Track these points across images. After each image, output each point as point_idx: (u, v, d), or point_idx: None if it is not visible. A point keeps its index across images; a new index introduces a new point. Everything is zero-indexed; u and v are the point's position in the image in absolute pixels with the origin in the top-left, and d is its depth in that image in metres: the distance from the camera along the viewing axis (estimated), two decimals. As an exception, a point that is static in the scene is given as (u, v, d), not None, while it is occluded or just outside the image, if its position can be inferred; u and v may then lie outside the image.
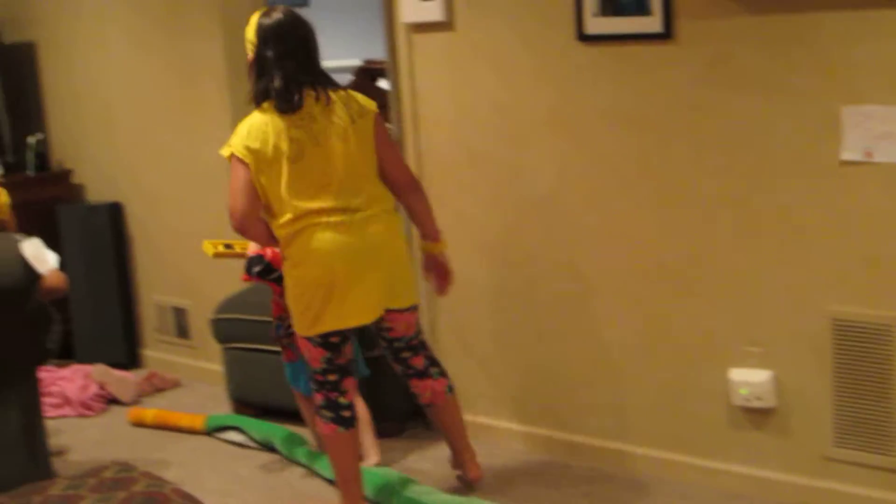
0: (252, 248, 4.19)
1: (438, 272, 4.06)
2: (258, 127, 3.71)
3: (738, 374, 3.99)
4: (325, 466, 4.36)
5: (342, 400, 3.88)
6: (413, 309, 3.99)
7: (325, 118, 3.73)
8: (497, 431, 4.63)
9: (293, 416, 4.69)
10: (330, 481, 4.30)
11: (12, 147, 5.98)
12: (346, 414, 3.89)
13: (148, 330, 5.96)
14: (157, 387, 5.60)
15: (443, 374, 4.12)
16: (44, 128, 6.14)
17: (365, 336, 4.27)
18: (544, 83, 4.22)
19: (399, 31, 4.55)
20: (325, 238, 3.69)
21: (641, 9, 3.88)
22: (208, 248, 4.37)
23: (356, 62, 7.21)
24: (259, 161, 3.69)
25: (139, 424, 5.12)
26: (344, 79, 6.70)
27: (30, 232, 4.35)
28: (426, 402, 4.11)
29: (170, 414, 5.11)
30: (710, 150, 3.89)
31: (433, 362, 4.11)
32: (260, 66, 3.75)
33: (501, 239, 4.46)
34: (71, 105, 6.04)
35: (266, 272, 4.16)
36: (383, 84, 5.67)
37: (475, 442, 4.31)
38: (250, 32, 3.79)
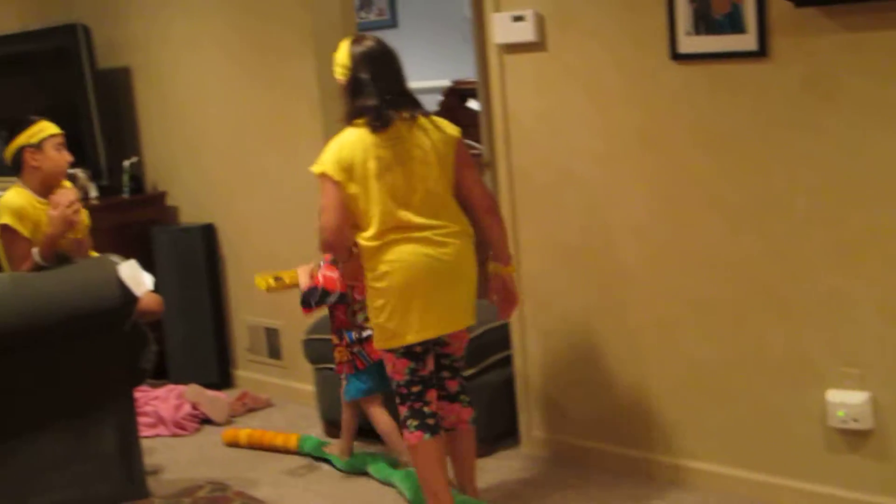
0: (302, 280, 4.36)
1: (506, 296, 4.10)
2: (350, 143, 3.86)
3: (835, 396, 3.93)
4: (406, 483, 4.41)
5: (427, 409, 3.94)
6: (469, 330, 4.09)
7: (410, 139, 3.86)
8: (590, 452, 4.61)
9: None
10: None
11: (108, 171, 6.07)
12: (431, 421, 3.93)
13: (240, 350, 6.02)
14: (249, 406, 5.63)
15: (471, 403, 4.17)
16: (139, 151, 6.24)
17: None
18: (636, 103, 4.21)
19: (491, 51, 4.57)
20: (408, 250, 3.82)
21: (736, 27, 3.86)
22: (260, 282, 4.50)
23: (445, 83, 7.25)
24: (349, 176, 3.82)
25: (233, 444, 5.15)
26: (433, 99, 6.77)
27: (126, 254, 4.43)
28: (448, 425, 4.11)
29: (264, 433, 5.14)
30: (806, 169, 3.85)
31: (464, 390, 4.17)
32: (354, 87, 3.89)
33: (592, 261, 4.44)
34: (165, 128, 6.13)
35: (324, 299, 4.35)
36: (473, 104, 5.70)
37: (562, 465, 4.28)
38: (343, 57, 3.94)
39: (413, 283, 3.81)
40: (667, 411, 4.37)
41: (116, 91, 6.23)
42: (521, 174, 4.57)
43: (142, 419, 5.20)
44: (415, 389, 3.93)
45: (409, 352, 3.89)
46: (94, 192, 6.01)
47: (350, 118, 3.90)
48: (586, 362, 4.56)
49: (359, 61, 3.89)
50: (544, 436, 4.74)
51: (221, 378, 5.98)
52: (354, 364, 4.48)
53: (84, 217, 4.63)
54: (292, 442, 4.98)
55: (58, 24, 6.11)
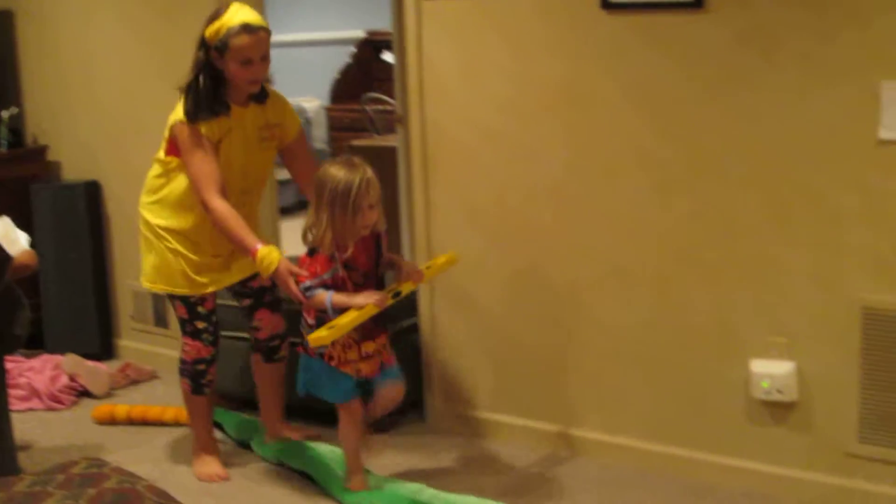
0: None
1: None
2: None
3: (760, 366, 3.84)
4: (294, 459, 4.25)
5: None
6: None
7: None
8: (500, 427, 4.44)
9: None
10: (303, 474, 4.18)
11: (-17, 122, 5.75)
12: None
13: (123, 318, 5.74)
14: (132, 378, 5.38)
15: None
16: (19, 101, 5.92)
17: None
18: (562, 55, 4.05)
19: (407, -1, 4.39)
20: None
21: (672, -25, 3.74)
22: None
23: (359, 34, 6.98)
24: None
25: (108, 422, 4.89)
26: (346, 52, 6.50)
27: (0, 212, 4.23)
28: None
29: (147, 409, 4.88)
30: (740, 127, 3.75)
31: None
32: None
33: (511, 220, 4.29)
34: (48, 77, 5.82)
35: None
36: (388, 57, 5.52)
37: (478, 439, 4.15)
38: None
39: None
40: (581, 382, 4.24)
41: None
42: (435, 129, 4.39)
43: (13, 391, 4.95)
44: None
45: None
46: (-33, 146, 5.70)
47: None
48: (497, 330, 4.41)
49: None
50: (451, 408, 4.58)
51: (102, 348, 5.70)
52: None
53: None
54: (179, 415, 4.72)
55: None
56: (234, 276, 4.15)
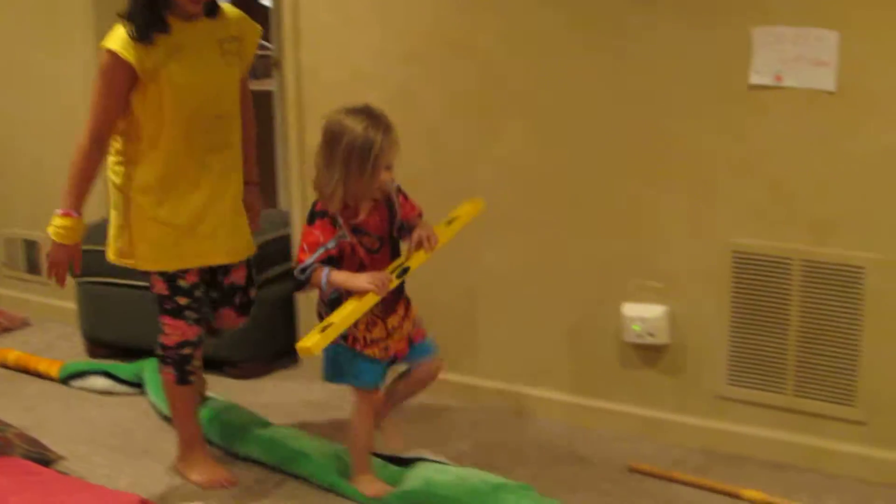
0: None
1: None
2: None
3: (631, 310, 3.86)
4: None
5: None
6: None
7: None
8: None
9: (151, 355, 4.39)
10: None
11: None
12: None
13: (-6, 265, 5.60)
14: (4, 326, 5.24)
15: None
16: None
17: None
18: (437, 1, 4.01)
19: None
20: None
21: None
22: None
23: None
24: None
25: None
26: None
27: None
28: None
29: (29, 357, 4.74)
30: (617, 74, 3.74)
31: None
32: None
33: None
34: None
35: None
36: (265, 1, 5.41)
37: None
38: None
39: None
40: (457, 326, 4.22)
41: None
42: (311, 73, 4.31)
43: None
44: None
45: None
46: None
47: None
48: (375, 276, 4.34)
49: None
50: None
51: (-28, 295, 5.56)
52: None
53: None
54: (54, 369, 4.58)
55: None
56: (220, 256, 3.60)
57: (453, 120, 4.06)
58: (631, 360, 3.91)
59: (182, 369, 3.58)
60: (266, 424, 3.89)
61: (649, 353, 3.88)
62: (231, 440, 3.84)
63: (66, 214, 3.34)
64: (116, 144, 3.45)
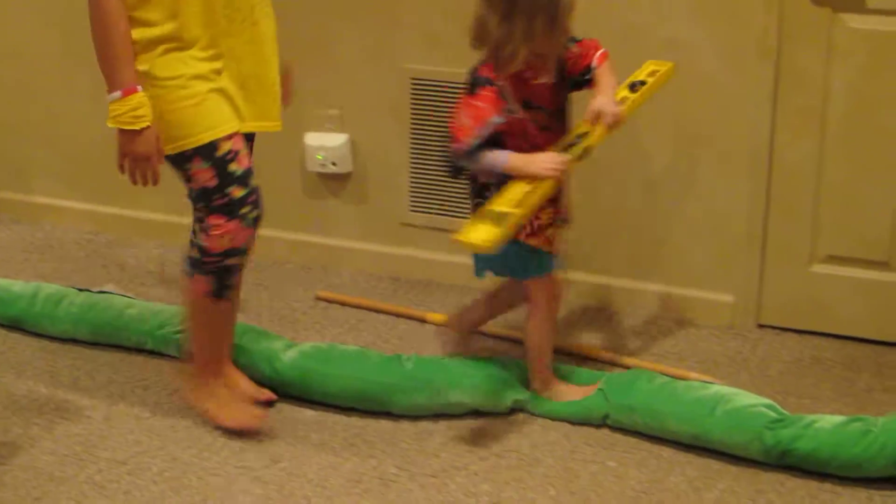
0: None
1: None
2: None
3: (314, 139, 3.85)
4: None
5: None
6: None
7: None
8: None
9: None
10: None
11: None
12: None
13: None
14: None
15: None
16: None
17: None
18: None
19: None
20: None
21: None
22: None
23: None
24: None
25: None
26: None
27: None
28: None
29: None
30: None
31: None
32: None
33: None
34: None
35: None
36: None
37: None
38: None
39: None
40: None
41: None
42: None
43: None
44: None
45: None
46: None
47: None
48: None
49: None
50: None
51: None
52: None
53: None
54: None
55: None
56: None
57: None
58: (315, 190, 3.91)
59: (222, 282, 2.85)
60: None
61: (333, 182, 3.88)
62: None
63: (129, 93, 2.63)
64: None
